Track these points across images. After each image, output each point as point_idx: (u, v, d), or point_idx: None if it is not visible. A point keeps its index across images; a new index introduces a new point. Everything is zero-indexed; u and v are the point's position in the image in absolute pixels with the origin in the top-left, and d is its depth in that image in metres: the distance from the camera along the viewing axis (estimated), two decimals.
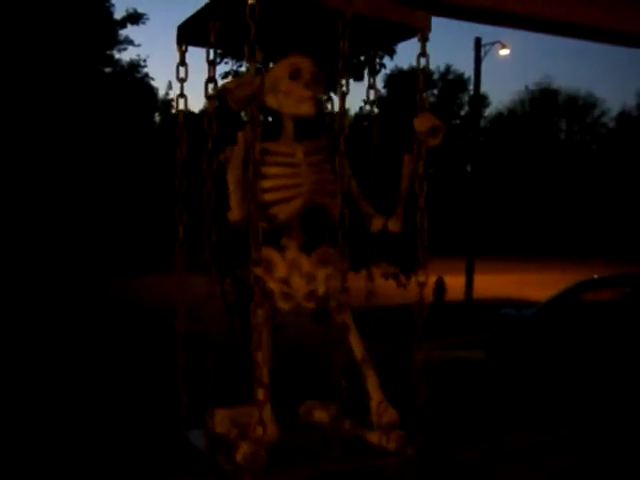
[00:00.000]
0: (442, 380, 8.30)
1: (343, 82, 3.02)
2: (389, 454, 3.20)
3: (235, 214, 3.13)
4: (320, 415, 3.65)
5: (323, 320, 3.46)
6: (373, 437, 3.29)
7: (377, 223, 3.42)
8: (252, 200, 2.94)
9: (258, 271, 2.91)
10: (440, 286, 16.02)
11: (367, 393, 3.37)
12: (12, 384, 8.02)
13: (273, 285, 3.27)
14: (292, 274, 3.31)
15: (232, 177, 3.21)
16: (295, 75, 3.30)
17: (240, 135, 3.16)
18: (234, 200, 3.16)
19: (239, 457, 2.97)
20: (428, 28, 3.18)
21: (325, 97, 3.72)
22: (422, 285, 3.22)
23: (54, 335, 11.44)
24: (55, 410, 7.13)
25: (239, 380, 3.56)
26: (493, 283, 21.28)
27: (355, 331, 3.38)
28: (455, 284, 17.29)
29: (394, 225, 3.37)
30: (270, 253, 3.30)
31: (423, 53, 3.20)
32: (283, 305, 3.31)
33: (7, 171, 16.52)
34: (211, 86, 3.35)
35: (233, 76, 9.99)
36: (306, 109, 3.33)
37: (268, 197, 3.18)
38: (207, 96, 3.35)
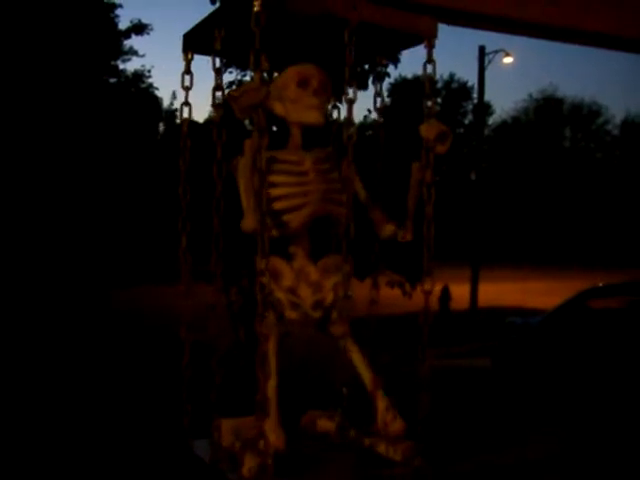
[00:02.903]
0: (448, 388, 8.26)
1: (350, 90, 3.00)
2: (396, 464, 3.18)
3: (248, 222, 3.11)
4: (324, 424, 3.62)
5: (324, 329, 3.43)
6: (380, 447, 3.26)
7: (387, 231, 3.40)
8: (258, 209, 2.93)
9: (264, 280, 2.89)
10: (445, 294, 15.96)
11: (372, 402, 3.34)
12: (15, 393, 8.00)
13: (280, 294, 3.25)
14: (299, 283, 3.29)
15: (243, 186, 3.20)
16: (303, 83, 3.29)
17: (247, 143, 3.14)
18: (247, 209, 3.14)
19: (245, 469, 2.95)
20: (434, 35, 3.16)
21: (332, 105, 3.71)
22: (428, 294, 3.19)
23: (56, 344, 11.42)
24: (58, 419, 7.11)
25: (243, 390, 3.54)
26: (498, 291, 21.20)
27: (352, 342, 3.35)
28: (460, 293, 17.23)
29: (404, 234, 3.35)
30: (277, 262, 3.28)
31: (430, 60, 3.19)
32: (290, 314, 3.29)
33: (11, 179, 16.56)
34: (218, 94, 3.34)
35: (237, 85, 9.99)
36: (314, 117, 3.31)
37: (277, 206, 3.16)
38: (213, 104, 3.34)
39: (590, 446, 6.57)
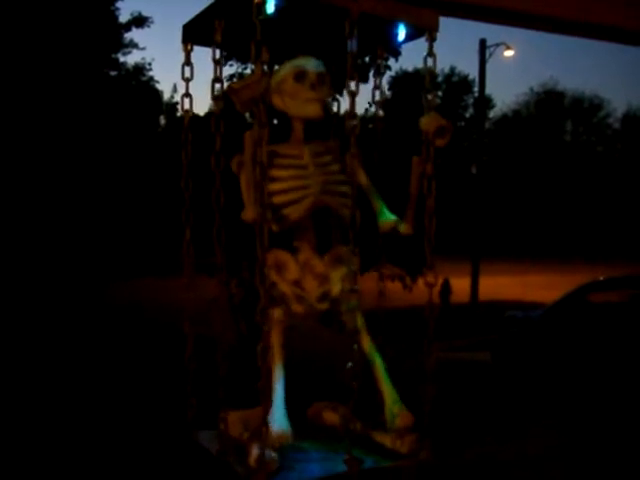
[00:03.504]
0: (449, 382, 8.26)
1: (352, 83, 2.99)
2: (402, 456, 3.18)
3: (249, 213, 3.13)
4: (330, 416, 3.62)
5: (330, 322, 3.43)
6: (386, 439, 3.27)
7: (387, 224, 3.40)
8: (260, 202, 2.92)
9: (267, 273, 2.89)
10: (446, 288, 15.96)
11: (380, 395, 3.34)
12: (14, 388, 8.00)
13: (285, 287, 3.25)
14: (305, 276, 3.29)
15: (245, 177, 3.20)
16: (300, 77, 3.28)
17: (247, 135, 3.13)
18: (248, 200, 3.15)
19: (252, 460, 2.95)
20: (436, 28, 3.16)
21: (332, 98, 3.70)
22: (432, 287, 3.19)
23: (56, 339, 11.42)
24: (61, 414, 7.11)
25: (246, 383, 3.54)
26: (498, 285, 21.20)
27: (366, 334, 3.35)
28: (460, 286, 17.23)
29: (405, 228, 3.35)
30: (282, 255, 3.28)
31: (430, 53, 3.18)
32: (296, 308, 3.29)
33: (11, 174, 16.55)
34: (217, 86, 3.33)
35: (238, 78, 9.97)
36: (312, 110, 3.31)
37: (276, 199, 3.16)
38: (213, 97, 3.33)
39: (590, 440, 6.58)
